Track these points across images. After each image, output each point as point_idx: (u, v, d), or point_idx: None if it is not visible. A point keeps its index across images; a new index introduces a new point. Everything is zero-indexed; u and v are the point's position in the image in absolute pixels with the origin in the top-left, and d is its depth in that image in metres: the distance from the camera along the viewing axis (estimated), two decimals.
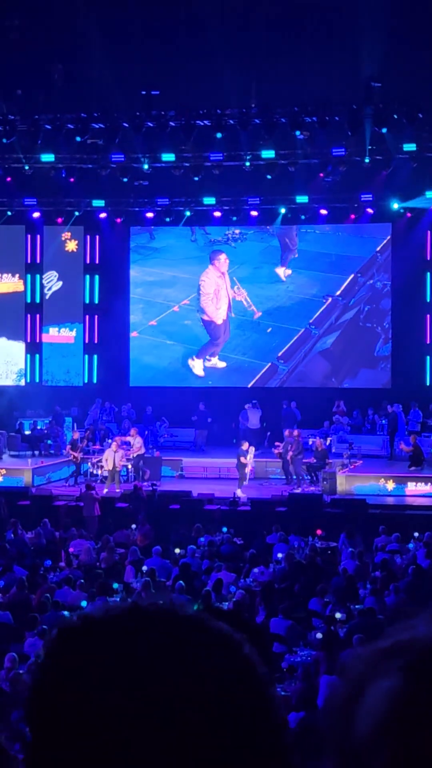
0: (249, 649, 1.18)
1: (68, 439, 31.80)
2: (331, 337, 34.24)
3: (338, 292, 34.27)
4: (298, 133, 28.01)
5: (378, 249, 33.72)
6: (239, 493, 25.92)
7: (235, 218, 33.20)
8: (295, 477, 27.55)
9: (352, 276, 33.99)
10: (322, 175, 30.27)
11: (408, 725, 1.05)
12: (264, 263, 34.83)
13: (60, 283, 35.49)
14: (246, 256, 34.88)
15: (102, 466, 28.41)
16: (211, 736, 1.09)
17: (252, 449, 27.39)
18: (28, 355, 35.58)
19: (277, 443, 28.43)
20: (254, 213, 32.75)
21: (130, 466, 28.64)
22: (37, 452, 30.75)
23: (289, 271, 34.64)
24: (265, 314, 34.68)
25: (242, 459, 26.96)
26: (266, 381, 34.39)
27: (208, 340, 34.97)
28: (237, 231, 34.68)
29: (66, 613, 16.17)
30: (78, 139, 29.01)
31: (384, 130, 27.52)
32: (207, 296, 34.97)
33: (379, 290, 33.74)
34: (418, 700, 1.05)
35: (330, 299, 34.29)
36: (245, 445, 27.29)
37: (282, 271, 34.59)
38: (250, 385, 34.05)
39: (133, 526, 23.14)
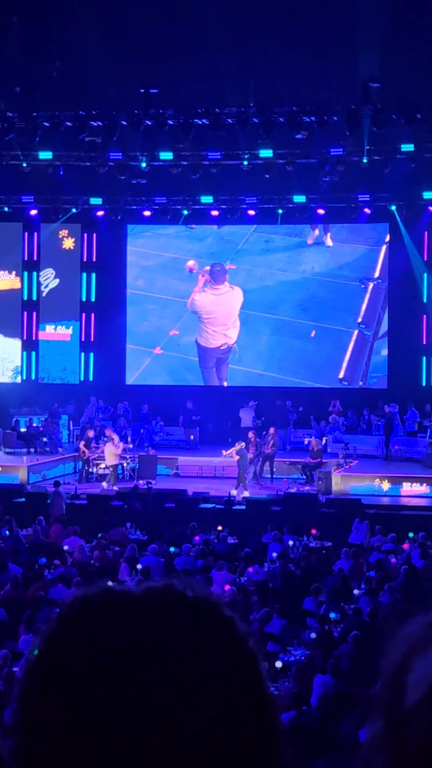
0: (249, 636, 1.21)
1: (64, 437, 31.91)
2: (383, 343, 33.54)
3: (376, 274, 33.68)
4: (296, 132, 28.00)
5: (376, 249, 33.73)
6: (233, 492, 25.98)
7: (232, 217, 33.16)
8: (266, 476, 27.85)
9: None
10: (320, 174, 30.25)
11: None
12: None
13: (57, 281, 35.48)
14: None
15: (98, 464, 28.55)
16: (207, 728, 1.11)
17: (238, 446, 27.39)
18: (25, 353, 35.56)
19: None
20: (252, 212, 32.74)
21: (125, 464, 28.70)
22: (32, 449, 30.74)
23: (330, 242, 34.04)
24: (299, 309, 33.97)
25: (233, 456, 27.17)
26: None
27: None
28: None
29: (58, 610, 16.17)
30: (76, 136, 29.01)
31: (382, 131, 27.52)
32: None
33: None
34: None
35: (371, 284, 33.71)
36: (238, 444, 27.35)
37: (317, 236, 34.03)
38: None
39: (128, 524, 23.15)
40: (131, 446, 29.61)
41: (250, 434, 28.14)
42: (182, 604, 1.19)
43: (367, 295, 33.66)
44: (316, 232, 33.95)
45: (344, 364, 33.45)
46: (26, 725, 1.15)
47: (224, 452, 27.90)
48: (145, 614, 1.17)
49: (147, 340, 34.81)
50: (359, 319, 33.42)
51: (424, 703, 1.10)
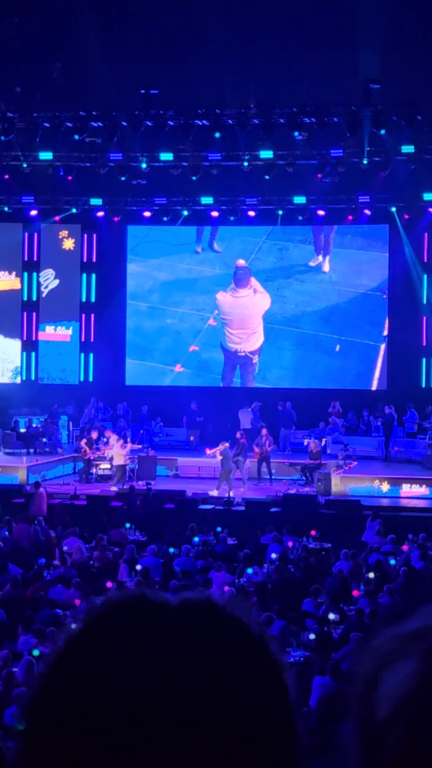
0: (284, 663, 1.19)
1: (64, 438, 31.90)
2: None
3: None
4: (296, 133, 28.03)
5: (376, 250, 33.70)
6: (213, 492, 26.05)
7: (232, 218, 33.16)
8: (265, 477, 28.03)
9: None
10: (320, 176, 30.27)
11: (426, 708, 1.07)
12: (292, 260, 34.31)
13: (57, 282, 35.48)
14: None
15: (98, 464, 28.59)
16: (232, 746, 1.08)
17: (221, 446, 27.43)
18: (24, 353, 35.55)
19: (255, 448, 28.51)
20: (252, 213, 32.74)
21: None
22: (32, 450, 30.73)
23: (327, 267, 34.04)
24: (321, 321, 33.66)
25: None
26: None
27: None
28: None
29: (59, 611, 16.19)
30: (76, 137, 29.04)
31: (382, 132, 27.55)
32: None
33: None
34: None
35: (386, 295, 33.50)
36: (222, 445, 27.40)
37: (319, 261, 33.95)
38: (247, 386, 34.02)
39: (127, 524, 23.16)
40: (140, 447, 29.45)
41: (238, 434, 28.06)
42: (217, 619, 1.15)
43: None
44: (320, 258, 33.88)
45: (375, 379, 33.34)
46: (38, 728, 1.11)
47: (208, 451, 28.01)
48: (177, 624, 1.13)
49: (167, 356, 34.76)
50: (385, 332, 33.29)
51: (395, 718, 1.08)
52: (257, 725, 1.09)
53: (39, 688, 1.14)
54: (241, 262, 34.29)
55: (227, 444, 27.32)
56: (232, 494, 25.91)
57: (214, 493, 26.11)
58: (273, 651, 1.18)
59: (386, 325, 33.20)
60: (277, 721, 1.12)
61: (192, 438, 31.82)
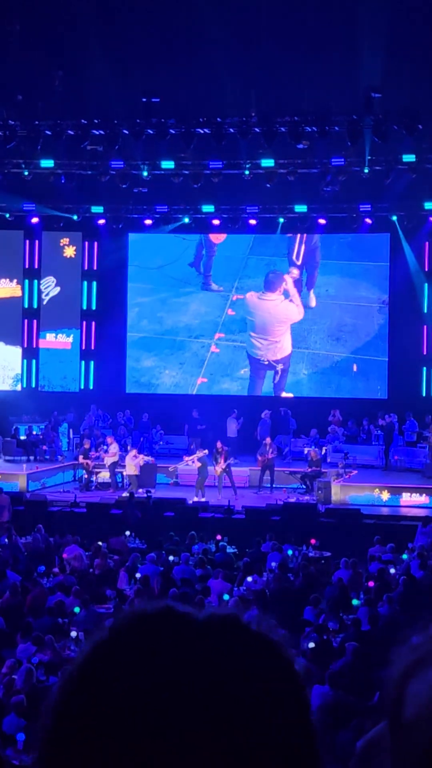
0: (305, 686, 1.20)
1: (64, 445, 31.90)
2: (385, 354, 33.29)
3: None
4: (298, 142, 28.04)
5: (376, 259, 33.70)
6: (195, 499, 26.17)
7: (234, 226, 33.22)
8: (266, 485, 27.95)
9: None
10: (321, 184, 30.29)
11: None
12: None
13: (57, 289, 35.50)
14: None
15: (98, 472, 28.60)
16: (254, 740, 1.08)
17: (200, 453, 27.46)
18: (25, 361, 35.56)
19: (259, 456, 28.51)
20: (253, 222, 32.78)
21: (124, 473, 28.70)
22: (32, 457, 30.73)
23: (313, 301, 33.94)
24: (331, 339, 33.49)
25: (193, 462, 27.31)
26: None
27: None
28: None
29: (59, 619, 16.17)
30: (78, 145, 29.07)
31: (384, 141, 27.57)
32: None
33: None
34: None
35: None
36: (200, 452, 27.49)
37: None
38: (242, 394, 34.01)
39: (127, 532, 23.14)
40: (151, 459, 29.23)
41: (218, 445, 27.95)
42: (243, 636, 1.16)
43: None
44: (311, 294, 33.88)
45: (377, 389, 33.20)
46: (59, 738, 1.09)
47: (185, 458, 28.15)
48: (202, 639, 1.13)
49: (177, 388, 34.76)
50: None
51: (420, 720, 1.12)
52: (276, 737, 1.09)
53: (63, 693, 1.12)
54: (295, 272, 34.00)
55: (206, 451, 27.47)
56: (204, 499, 26.13)
57: (195, 499, 26.31)
58: (297, 671, 1.20)
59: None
60: (297, 739, 1.12)
61: (193, 446, 31.75)
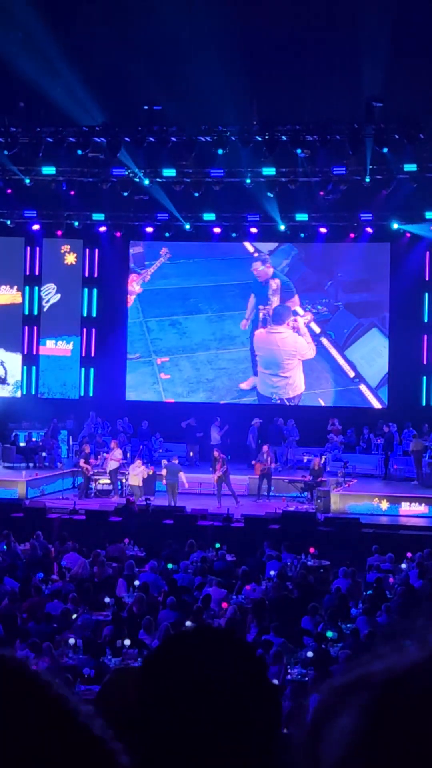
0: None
1: (64, 452, 31.87)
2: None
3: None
4: (299, 151, 28.07)
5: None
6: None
7: (234, 234, 33.23)
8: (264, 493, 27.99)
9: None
10: (322, 193, 30.30)
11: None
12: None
13: (58, 296, 35.50)
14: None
15: (97, 479, 28.56)
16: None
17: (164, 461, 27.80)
18: (25, 367, 35.56)
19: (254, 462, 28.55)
20: (254, 230, 32.80)
21: (124, 480, 28.65)
22: (31, 464, 30.71)
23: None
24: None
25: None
26: None
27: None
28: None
29: (55, 625, 16.14)
30: (79, 152, 29.10)
31: (385, 150, 27.59)
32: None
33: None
34: (376, 743, 1.03)
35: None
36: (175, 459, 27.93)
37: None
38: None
39: (126, 540, 23.11)
40: (152, 472, 29.14)
41: (215, 453, 27.93)
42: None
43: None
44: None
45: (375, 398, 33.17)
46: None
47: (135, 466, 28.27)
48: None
49: (177, 396, 34.70)
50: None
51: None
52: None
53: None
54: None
55: (176, 460, 27.77)
56: (176, 504, 26.34)
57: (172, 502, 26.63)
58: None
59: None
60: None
61: (191, 454, 31.76)
